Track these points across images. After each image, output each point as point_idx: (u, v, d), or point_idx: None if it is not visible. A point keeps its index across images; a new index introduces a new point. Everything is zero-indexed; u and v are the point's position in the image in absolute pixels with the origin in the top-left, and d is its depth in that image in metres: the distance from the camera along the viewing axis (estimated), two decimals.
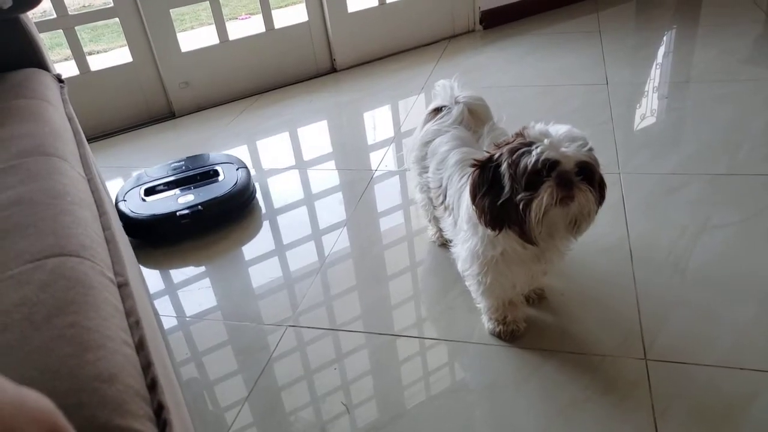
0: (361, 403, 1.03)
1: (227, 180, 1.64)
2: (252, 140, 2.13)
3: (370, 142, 2.02)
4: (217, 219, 1.57)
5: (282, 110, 2.33)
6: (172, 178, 1.68)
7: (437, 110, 1.21)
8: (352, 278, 1.35)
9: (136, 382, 0.46)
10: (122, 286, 0.58)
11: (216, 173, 1.69)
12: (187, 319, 1.29)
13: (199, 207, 1.52)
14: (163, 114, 2.41)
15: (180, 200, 1.57)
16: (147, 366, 0.49)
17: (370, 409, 1.02)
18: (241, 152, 2.05)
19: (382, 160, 1.85)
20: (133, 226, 1.51)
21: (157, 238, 1.55)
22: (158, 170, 1.73)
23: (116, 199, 1.60)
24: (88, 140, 1.25)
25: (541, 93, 2.14)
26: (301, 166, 1.90)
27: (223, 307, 1.31)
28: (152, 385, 0.47)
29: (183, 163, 1.76)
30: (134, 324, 0.53)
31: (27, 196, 0.66)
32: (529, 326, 1.13)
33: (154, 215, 1.51)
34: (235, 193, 1.59)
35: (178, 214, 1.51)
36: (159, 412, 0.45)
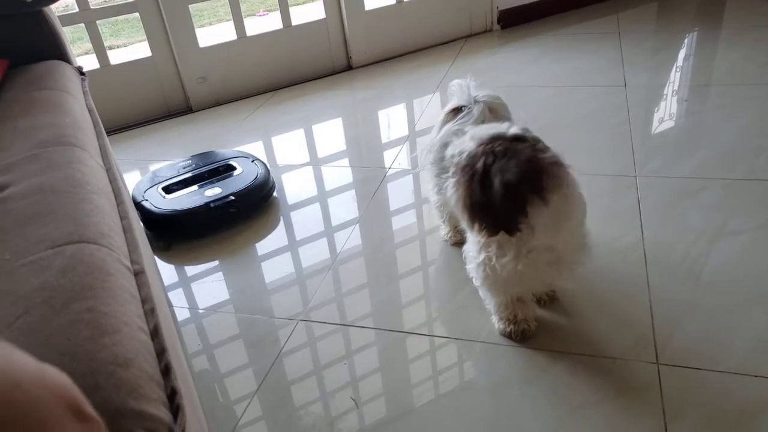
0: (370, 400, 1.04)
1: (247, 172, 1.66)
2: (267, 136, 2.14)
3: (384, 140, 2.02)
4: (248, 208, 1.59)
5: (298, 107, 2.35)
6: (187, 176, 1.69)
7: (456, 110, 1.19)
8: (363, 275, 1.36)
9: (150, 367, 0.47)
10: (138, 274, 0.59)
11: (231, 167, 1.71)
12: (200, 311, 1.31)
13: (231, 197, 1.54)
14: (180, 108, 2.43)
15: (207, 193, 1.58)
16: (161, 352, 0.50)
17: (378, 405, 1.03)
18: (257, 148, 2.06)
19: (395, 159, 1.85)
20: (163, 221, 1.52)
21: (190, 231, 1.55)
22: (168, 170, 1.74)
23: (135, 200, 1.61)
24: (107, 132, 1.27)
25: (557, 94, 2.12)
26: (316, 162, 1.91)
27: (236, 300, 1.33)
28: (166, 371, 0.48)
29: (190, 161, 1.77)
30: (149, 311, 0.54)
31: (48, 184, 0.67)
32: (540, 327, 1.13)
33: (186, 209, 1.52)
34: (262, 182, 1.63)
35: (211, 205, 1.52)
36: (172, 397, 0.46)
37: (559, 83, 2.21)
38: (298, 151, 2.01)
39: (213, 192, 1.58)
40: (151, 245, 1.50)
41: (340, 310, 1.26)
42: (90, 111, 1.01)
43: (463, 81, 1.21)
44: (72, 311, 0.49)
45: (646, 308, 1.14)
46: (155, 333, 0.52)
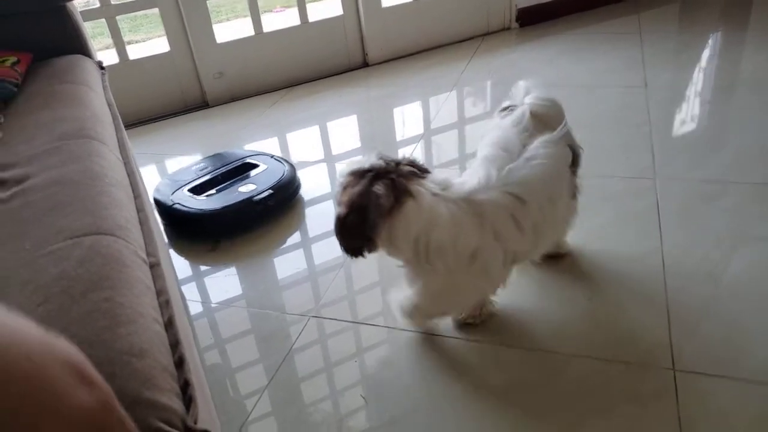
0: (380, 398, 1.04)
1: (273, 167, 1.66)
2: (283, 132, 2.15)
3: (399, 138, 2.02)
4: (285, 202, 1.59)
5: (313, 103, 2.35)
6: (209, 177, 1.66)
7: (506, 109, 1.17)
8: (375, 274, 1.36)
9: (164, 359, 0.47)
10: (154, 266, 0.59)
11: (252, 165, 1.70)
12: (213, 305, 1.32)
13: (271, 191, 1.54)
14: (197, 103, 2.45)
15: (241, 190, 1.56)
16: (175, 344, 0.50)
17: (388, 403, 1.02)
18: (272, 144, 2.07)
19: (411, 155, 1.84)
20: (202, 221, 1.49)
21: (232, 228, 1.53)
22: (185, 173, 1.71)
23: (164, 205, 1.56)
24: (125, 126, 1.28)
25: (575, 94, 2.10)
26: (330, 159, 1.92)
27: (248, 295, 1.33)
28: (179, 363, 0.48)
29: (204, 163, 1.75)
30: (164, 303, 0.54)
31: (68, 176, 0.68)
32: (554, 328, 1.12)
33: (228, 206, 1.49)
34: (293, 176, 1.63)
35: (254, 200, 1.51)
36: (185, 389, 0.46)
37: (577, 83, 2.19)
38: (313, 148, 2.01)
39: (248, 188, 1.57)
40: (189, 248, 1.50)
41: (351, 307, 1.26)
42: (109, 105, 1.02)
43: (525, 82, 1.17)
44: (90, 301, 0.49)
45: (663, 313, 1.13)
46: (169, 324, 0.52)
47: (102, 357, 0.44)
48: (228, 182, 1.64)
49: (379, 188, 0.91)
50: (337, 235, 0.97)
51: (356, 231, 0.94)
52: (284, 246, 1.50)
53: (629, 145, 1.73)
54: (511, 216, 0.97)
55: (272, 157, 1.73)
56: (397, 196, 0.92)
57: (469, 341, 1.13)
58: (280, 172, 1.63)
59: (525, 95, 1.13)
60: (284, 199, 1.59)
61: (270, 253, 1.47)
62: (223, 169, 1.70)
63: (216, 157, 1.80)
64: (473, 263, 0.97)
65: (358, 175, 0.94)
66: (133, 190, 0.74)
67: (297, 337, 1.19)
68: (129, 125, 2.32)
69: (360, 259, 1.00)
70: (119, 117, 1.04)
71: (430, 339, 1.15)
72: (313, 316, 1.24)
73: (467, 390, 1.03)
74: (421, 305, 1.06)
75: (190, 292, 1.37)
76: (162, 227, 1.60)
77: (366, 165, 0.95)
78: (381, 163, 0.95)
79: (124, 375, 0.43)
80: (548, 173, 1.01)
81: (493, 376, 1.05)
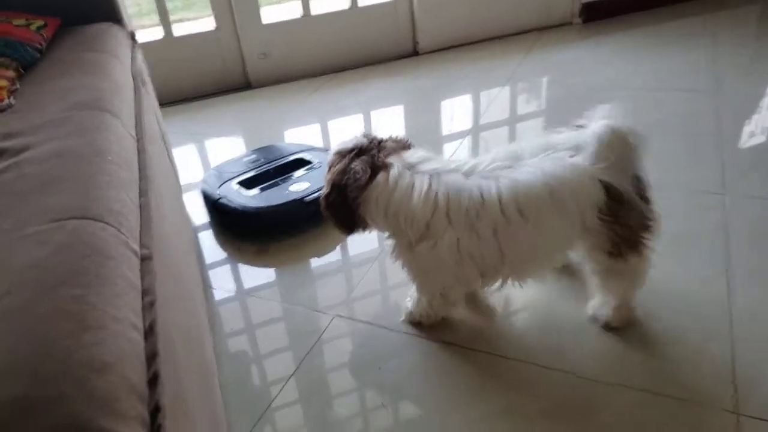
0: (400, 403, 0.95)
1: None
2: (325, 119, 2.08)
3: (445, 132, 1.92)
4: None
5: (358, 91, 2.27)
6: (259, 171, 1.55)
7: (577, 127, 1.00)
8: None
9: (134, 375, 0.40)
10: (145, 260, 0.52)
11: (304, 161, 1.59)
12: (240, 294, 1.27)
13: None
14: (239, 84, 2.41)
15: (292, 188, 1.45)
16: (152, 356, 0.42)
17: (408, 408, 0.94)
18: (314, 131, 2.00)
19: (454, 152, 1.74)
20: (247, 219, 1.40)
21: (279, 229, 1.43)
22: (233, 165, 1.62)
23: (210, 198, 1.47)
24: (164, 104, 1.23)
25: (638, 96, 1.93)
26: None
27: (278, 287, 1.28)
28: (153, 380, 0.41)
29: (254, 155, 1.65)
30: (149, 305, 0.47)
31: (70, 149, 0.62)
32: (598, 354, 1.01)
33: (277, 205, 1.39)
34: None
35: (305, 200, 1.40)
36: (155, 414, 0.39)
37: (639, 85, 2.02)
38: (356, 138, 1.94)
39: (300, 187, 1.45)
40: (233, 243, 1.43)
41: (381, 307, 1.19)
42: (134, 77, 0.96)
43: (609, 106, 0.97)
44: (58, 297, 0.42)
45: (728, 347, 0.99)
46: (150, 332, 0.45)
47: (54, 371, 0.36)
48: (279, 178, 1.52)
49: (356, 164, 0.95)
50: (324, 213, 1.01)
51: (340, 208, 0.98)
52: (333, 251, 1.39)
53: (696, 156, 1.57)
54: (466, 210, 0.91)
55: (327, 151, 1.62)
56: (374, 170, 0.95)
57: (503, 358, 1.03)
58: None
59: (600, 119, 0.94)
60: None
61: (318, 259, 1.37)
62: (275, 164, 1.58)
63: (267, 149, 1.70)
64: (429, 237, 0.94)
65: (342, 154, 0.98)
66: (140, 171, 0.67)
67: (321, 334, 1.13)
68: (169, 102, 2.30)
69: (355, 235, 1.05)
70: (145, 91, 0.98)
71: (457, 351, 1.05)
72: (337, 315, 1.17)
73: (501, 411, 0.93)
74: (417, 285, 1.05)
75: (220, 277, 1.32)
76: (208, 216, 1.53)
77: (350, 144, 0.98)
78: (364, 141, 0.99)
79: (78, 397, 0.35)
80: (527, 184, 0.89)
81: (529, 399, 0.95)
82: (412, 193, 0.93)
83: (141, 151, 0.71)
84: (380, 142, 1.00)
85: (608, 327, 1.05)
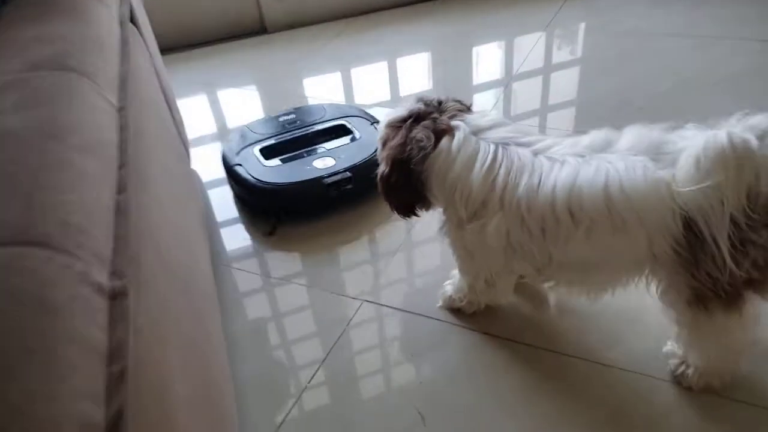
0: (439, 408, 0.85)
1: (366, 139, 1.29)
2: (346, 68, 1.88)
3: (476, 82, 1.73)
4: (367, 189, 1.18)
5: (381, 37, 2.04)
6: (290, 136, 1.34)
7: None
8: (437, 258, 1.14)
9: None
10: (117, 297, 0.36)
11: (345, 130, 1.36)
12: (271, 280, 1.14)
13: (348, 174, 1.20)
14: (254, 28, 2.19)
15: (316, 164, 1.24)
16: None
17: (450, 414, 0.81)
18: (335, 80, 1.82)
19: (494, 106, 1.54)
20: (258, 193, 1.23)
21: (294, 210, 1.26)
22: (265, 125, 1.41)
23: (227, 163, 1.30)
24: (168, 51, 1.03)
25: (693, 46, 1.67)
26: (397, 103, 1.63)
27: (306, 273, 1.15)
28: None
29: (293, 115, 1.42)
30: (116, 379, 0.31)
31: (14, 130, 0.45)
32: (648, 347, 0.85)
33: (293, 183, 1.20)
34: None
35: (325, 181, 1.19)
36: None
37: (696, 32, 1.75)
38: (379, 88, 1.75)
39: (324, 164, 1.24)
40: (250, 221, 1.27)
41: (408, 294, 1.08)
42: (122, 23, 0.78)
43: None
44: None
45: None
46: (115, 422, 0.29)
47: None
48: (309, 148, 1.32)
49: (416, 132, 0.83)
50: (383, 196, 0.90)
51: (403, 188, 0.86)
52: (357, 240, 1.21)
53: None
54: (518, 199, 0.76)
55: (373, 123, 1.37)
56: (438, 136, 0.83)
57: (553, 353, 0.92)
58: (371, 148, 1.22)
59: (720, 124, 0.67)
60: (369, 185, 1.08)
61: (335, 250, 1.19)
62: (312, 129, 1.36)
63: (310, 109, 1.47)
64: (481, 216, 0.81)
65: (396, 125, 0.87)
66: (120, 155, 0.50)
67: (350, 320, 1.02)
68: (176, 48, 2.10)
69: (414, 218, 0.94)
70: (135, 41, 0.80)
71: (493, 342, 0.94)
72: (366, 300, 1.05)
73: (550, 413, 0.83)
74: (459, 266, 0.95)
75: (249, 265, 1.19)
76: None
77: (404, 112, 0.87)
78: (420, 105, 0.87)
79: None
80: (585, 183, 0.71)
81: (591, 404, 0.83)
82: (474, 164, 0.80)
83: (123, 127, 0.54)
84: (440, 103, 0.88)
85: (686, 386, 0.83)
